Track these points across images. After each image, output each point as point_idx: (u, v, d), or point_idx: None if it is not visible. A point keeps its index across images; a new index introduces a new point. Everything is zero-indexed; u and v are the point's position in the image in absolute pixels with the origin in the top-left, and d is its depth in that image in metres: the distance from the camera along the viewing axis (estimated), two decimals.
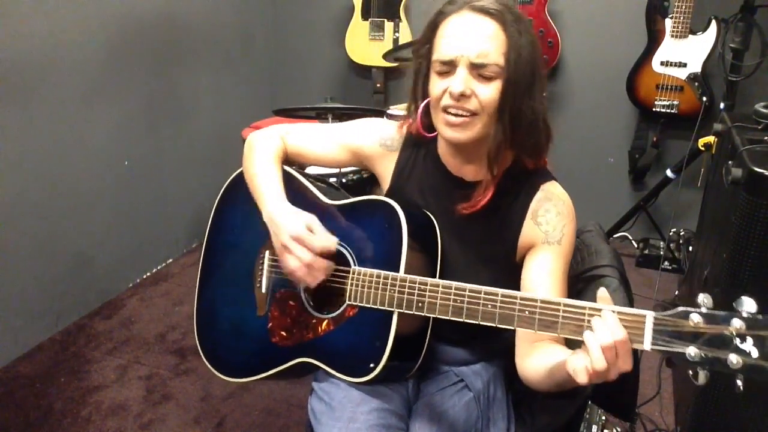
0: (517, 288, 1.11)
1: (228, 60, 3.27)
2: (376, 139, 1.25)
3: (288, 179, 1.26)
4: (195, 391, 2.10)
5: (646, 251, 2.95)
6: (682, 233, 2.89)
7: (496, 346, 1.21)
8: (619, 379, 0.82)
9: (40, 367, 2.22)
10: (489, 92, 1.02)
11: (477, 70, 1.01)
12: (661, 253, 2.87)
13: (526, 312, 0.91)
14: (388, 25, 3.21)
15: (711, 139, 2.03)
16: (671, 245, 2.83)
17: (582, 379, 0.82)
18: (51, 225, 2.35)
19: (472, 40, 1.01)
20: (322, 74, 3.61)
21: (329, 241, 1.10)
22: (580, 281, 1.22)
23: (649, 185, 3.00)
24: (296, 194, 1.23)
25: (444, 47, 1.03)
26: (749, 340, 0.76)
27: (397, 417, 1.10)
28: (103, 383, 2.13)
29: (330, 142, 1.28)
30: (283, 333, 1.19)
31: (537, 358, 1.02)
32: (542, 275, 1.08)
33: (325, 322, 1.14)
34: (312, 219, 1.12)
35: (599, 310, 0.85)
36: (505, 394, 1.21)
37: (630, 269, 2.58)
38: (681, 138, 2.91)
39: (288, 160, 1.32)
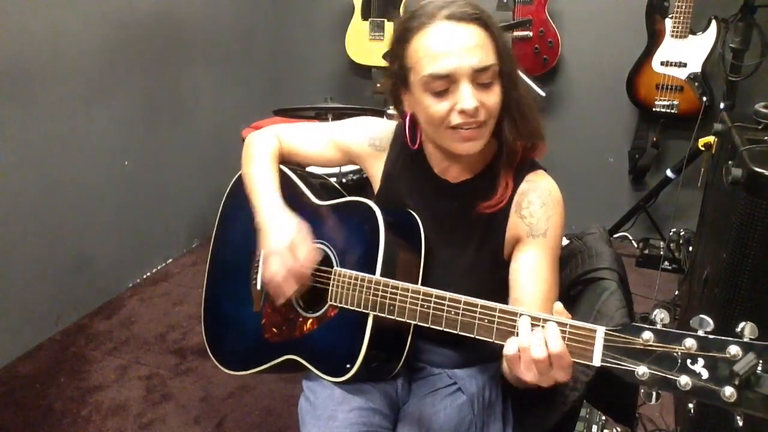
0: (507, 287, 1.09)
1: (228, 60, 3.27)
2: (364, 139, 1.24)
3: (281, 178, 1.28)
4: (195, 391, 2.10)
5: (646, 251, 2.95)
6: (682, 233, 2.89)
7: (486, 350, 1.18)
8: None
9: (40, 367, 2.22)
10: (494, 98, 1.01)
11: (477, 79, 0.99)
12: (661, 253, 2.87)
13: (486, 320, 0.90)
14: (388, 25, 3.20)
15: (711, 139, 2.03)
16: (671, 245, 2.83)
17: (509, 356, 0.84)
18: (51, 225, 2.35)
19: (466, 49, 0.97)
20: (322, 74, 3.61)
21: (315, 253, 1.12)
22: (578, 283, 1.21)
23: (649, 185, 2.99)
24: (286, 194, 1.26)
25: (435, 62, 0.98)
26: (700, 360, 0.72)
27: (380, 416, 1.10)
28: (103, 383, 2.14)
29: (322, 142, 1.29)
30: (275, 330, 1.22)
31: None
32: (528, 271, 1.06)
33: (309, 321, 1.17)
34: (303, 228, 1.13)
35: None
36: (500, 397, 1.19)
37: (630, 269, 2.57)
38: (681, 138, 2.90)
39: (284, 160, 1.33)
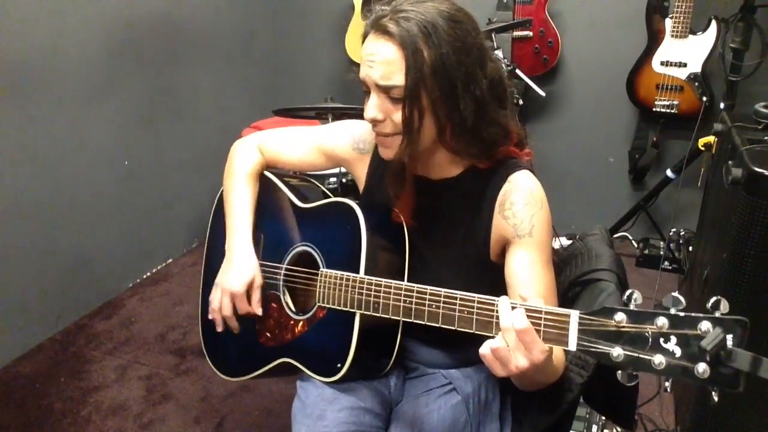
0: (496, 289, 1.06)
1: (228, 60, 3.27)
2: (348, 142, 1.24)
3: (266, 187, 1.31)
4: (195, 391, 2.10)
5: (646, 251, 2.95)
6: (682, 233, 2.89)
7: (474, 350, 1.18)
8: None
9: (40, 367, 2.22)
10: (401, 115, 0.99)
11: (386, 93, 0.99)
12: (661, 253, 2.86)
13: (465, 312, 0.91)
14: None
15: (711, 139, 2.02)
16: (671, 245, 2.83)
17: (482, 350, 0.84)
18: (51, 225, 2.35)
19: (375, 62, 0.99)
20: (322, 74, 3.60)
21: (256, 309, 1.22)
22: (577, 285, 1.20)
23: (649, 185, 2.99)
24: (271, 202, 1.28)
25: (360, 66, 1.03)
26: (673, 339, 0.72)
27: (371, 416, 1.10)
28: (103, 383, 2.14)
29: (306, 148, 1.28)
30: (268, 334, 1.23)
31: None
32: (521, 272, 1.04)
33: (300, 324, 1.18)
34: (256, 279, 1.22)
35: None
36: (498, 397, 1.19)
37: (630, 269, 2.57)
38: (681, 138, 2.90)
39: (268, 168, 1.34)
